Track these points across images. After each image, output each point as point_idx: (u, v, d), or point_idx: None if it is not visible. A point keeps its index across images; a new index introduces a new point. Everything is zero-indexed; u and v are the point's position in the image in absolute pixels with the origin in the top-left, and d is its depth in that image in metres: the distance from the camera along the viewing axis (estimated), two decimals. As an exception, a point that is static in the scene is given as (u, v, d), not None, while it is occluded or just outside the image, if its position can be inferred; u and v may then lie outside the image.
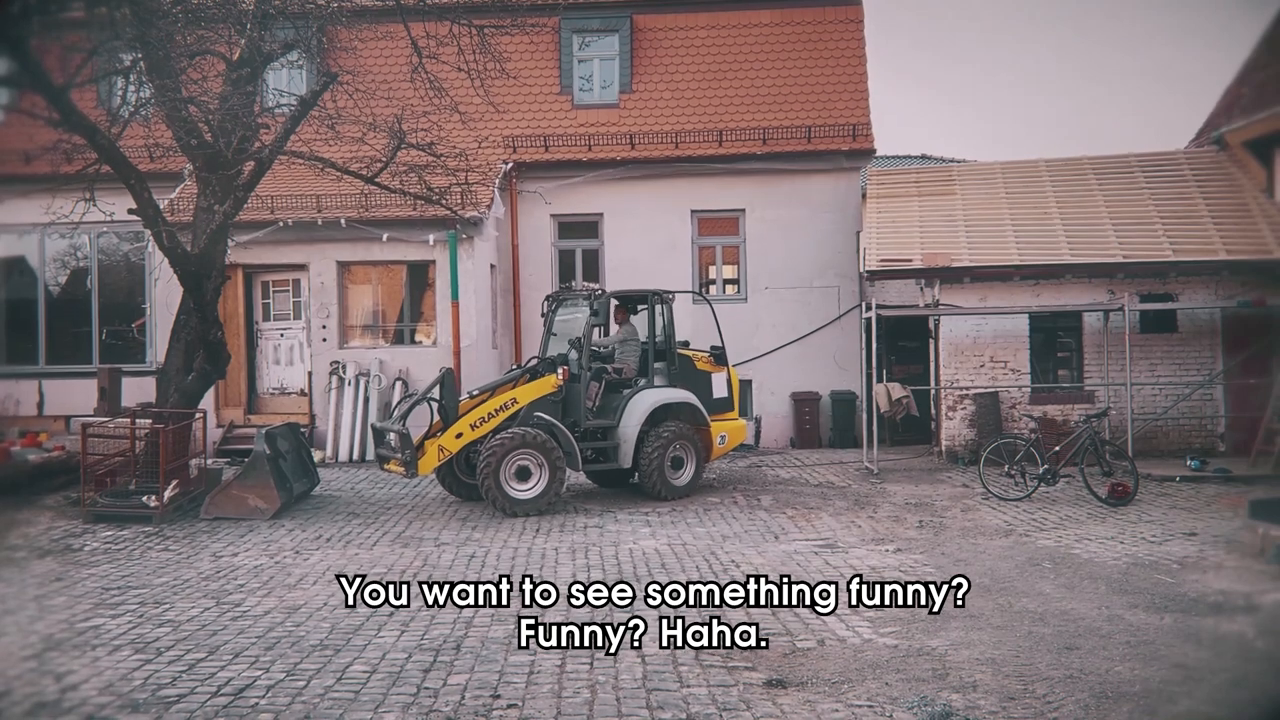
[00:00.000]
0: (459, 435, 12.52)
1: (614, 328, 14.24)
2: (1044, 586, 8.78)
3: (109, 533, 11.59)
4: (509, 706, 6.10)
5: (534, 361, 13.62)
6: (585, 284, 15.24)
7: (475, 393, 13.30)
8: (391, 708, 6.11)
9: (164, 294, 17.04)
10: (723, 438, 13.98)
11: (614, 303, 13.99)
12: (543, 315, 14.55)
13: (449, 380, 12.81)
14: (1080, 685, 6.37)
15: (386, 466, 12.77)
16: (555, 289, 19.48)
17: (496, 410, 12.71)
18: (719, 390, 14.20)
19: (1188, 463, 14.76)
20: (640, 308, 14.14)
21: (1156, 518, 11.75)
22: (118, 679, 6.63)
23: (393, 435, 12.52)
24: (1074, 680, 6.45)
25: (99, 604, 8.55)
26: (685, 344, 14.43)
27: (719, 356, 14.36)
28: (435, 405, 12.95)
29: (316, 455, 15.83)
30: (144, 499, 12.23)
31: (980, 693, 6.26)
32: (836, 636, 7.42)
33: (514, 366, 14.29)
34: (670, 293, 14.18)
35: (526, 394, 12.93)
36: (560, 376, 13.05)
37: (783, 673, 6.65)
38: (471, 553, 10.41)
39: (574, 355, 13.50)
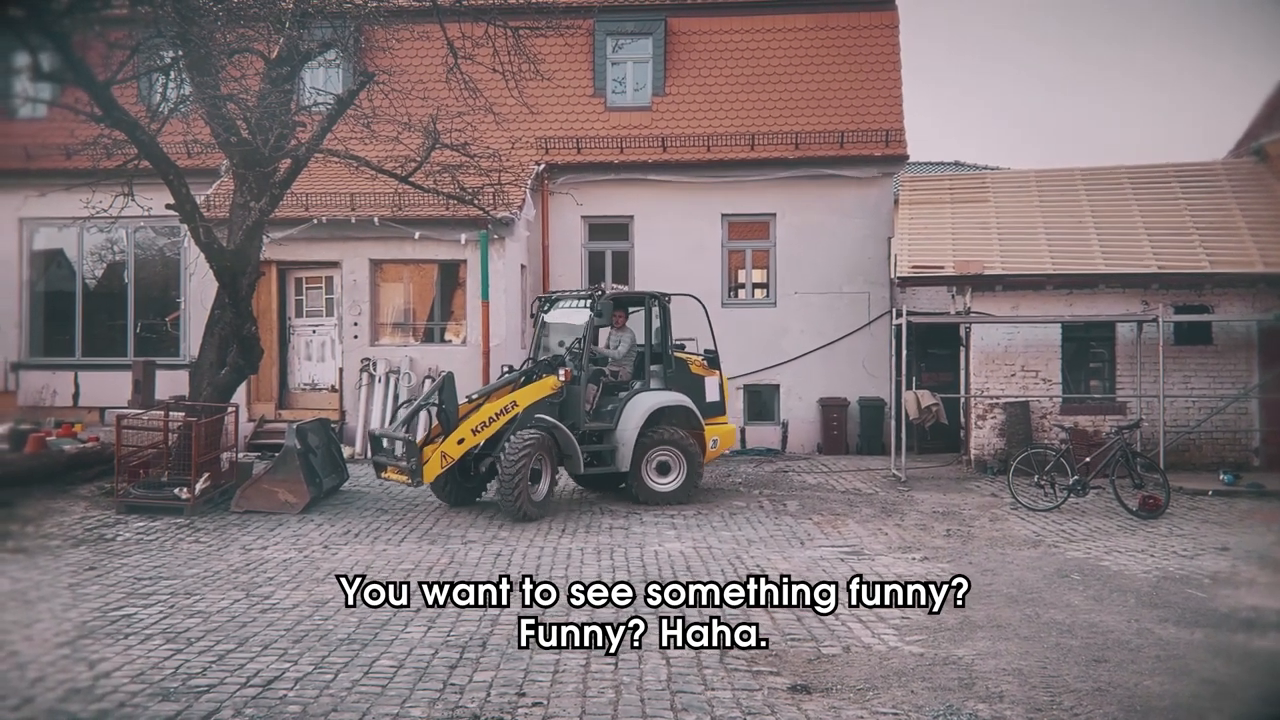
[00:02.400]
0: (461, 441, 12.17)
1: (607, 331, 14.08)
2: (1072, 598, 8.72)
3: (141, 523, 11.74)
4: (534, 704, 6.13)
5: (529, 363, 13.41)
6: (615, 285, 15.22)
7: (474, 396, 13.03)
8: (418, 703, 6.16)
9: (199, 289, 17.24)
10: (714, 442, 13.90)
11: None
12: (532, 315, 14.34)
13: (450, 384, 12.47)
14: (1108, 698, 6.32)
15: (384, 475, 12.37)
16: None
17: (497, 414, 12.40)
18: (711, 394, 14.11)
19: (1221, 477, 14.59)
20: (632, 309, 14.02)
21: (1188, 531, 11.63)
22: (149, 668, 6.73)
23: (398, 443, 12.17)
24: (1102, 693, 6.40)
25: (131, 593, 8.67)
26: (681, 346, 14.36)
27: (713, 360, 14.31)
28: (433, 410, 12.69)
29: (346, 451, 15.96)
30: (176, 491, 12.38)
31: (1007, 703, 6.22)
32: (862, 643, 7.41)
33: (505, 369, 14.05)
34: (667, 295, 14.14)
35: (526, 396, 12.63)
36: (562, 378, 12.83)
37: (807, 678, 6.65)
38: (498, 551, 10.46)
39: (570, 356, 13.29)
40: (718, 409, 14.18)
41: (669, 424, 13.35)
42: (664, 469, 13.32)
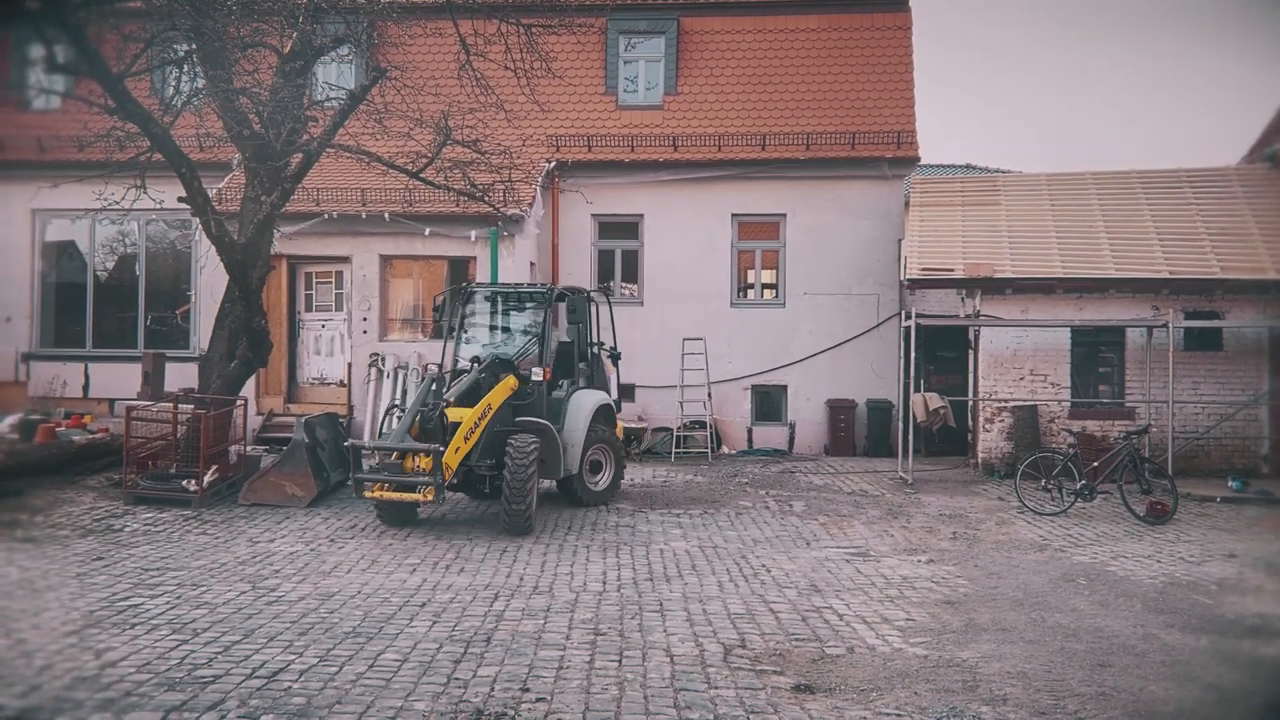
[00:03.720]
0: (457, 449, 11.00)
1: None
2: (1078, 602, 8.70)
3: (149, 515, 11.79)
4: (538, 700, 6.14)
5: (476, 362, 12.33)
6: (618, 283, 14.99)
7: (451, 400, 11.49)
8: (422, 696, 6.17)
9: (209, 282, 17.30)
10: None
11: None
12: (436, 309, 13.36)
13: (442, 385, 11.54)
14: (1113, 703, 6.30)
15: (372, 494, 10.82)
16: (596, 288, 19.63)
17: (480, 419, 11.34)
18: (614, 391, 14.05)
19: (1229, 483, 14.53)
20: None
21: (1195, 538, 11.59)
22: (155, 658, 6.76)
23: (410, 457, 10.77)
24: (1106, 697, 6.39)
25: (138, 584, 8.71)
26: (602, 345, 14.07)
27: (616, 358, 14.17)
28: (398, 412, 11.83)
29: (353, 446, 15.97)
30: (184, 483, 12.43)
31: (1010, 706, 6.21)
32: (866, 644, 7.40)
33: (430, 369, 12.85)
34: (588, 291, 13.84)
35: (497, 398, 11.65)
36: (540, 377, 12.09)
37: (811, 678, 6.65)
38: (504, 548, 10.48)
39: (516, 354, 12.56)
40: (618, 406, 14.15)
41: (598, 422, 12.95)
42: (596, 467, 13.01)
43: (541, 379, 12.20)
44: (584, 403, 12.79)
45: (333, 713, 5.90)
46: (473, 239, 17.45)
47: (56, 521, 11.26)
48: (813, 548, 10.76)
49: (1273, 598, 9.02)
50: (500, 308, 13.37)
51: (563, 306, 13.59)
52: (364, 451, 11.30)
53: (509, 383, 11.94)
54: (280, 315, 18.03)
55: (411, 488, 10.71)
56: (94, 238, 19.86)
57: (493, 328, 13.36)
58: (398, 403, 15.79)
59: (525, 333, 13.04)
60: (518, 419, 11.84)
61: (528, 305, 13.12)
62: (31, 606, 7.92)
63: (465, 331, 13.05)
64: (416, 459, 10.77)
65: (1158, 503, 12.45)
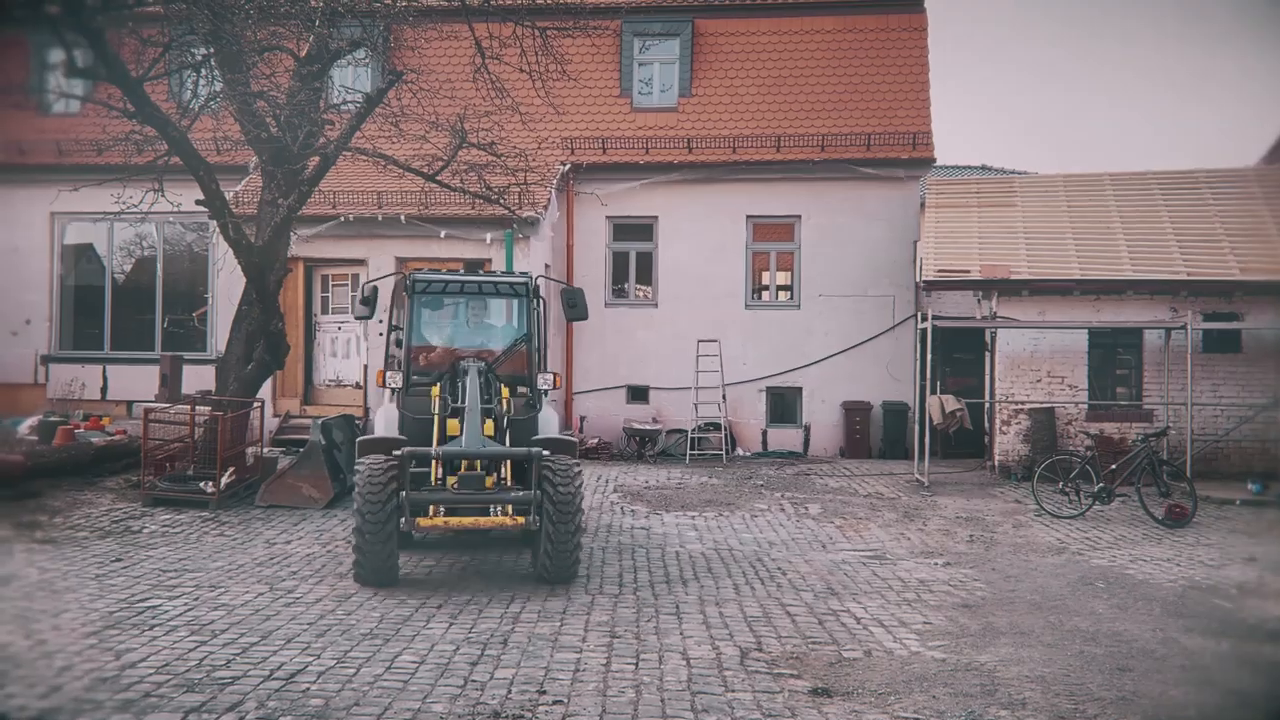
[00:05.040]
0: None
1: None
2: (1096, 606, 8.65)
3: (167, 516, 11.85)
4: (555, 702, 6.14)
5: (461, 364, 10.24)
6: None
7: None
8: (439, 698, 6.18)
9: (226, 285, 17.37)
10: None
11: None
12: (364, 301, 10.91)
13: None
14: (1132, 707, 6.26)
15: (434, 520, 8.59)
16: (607, 289, 19.65)
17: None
18: None
19: (1249, 486, 14.42)
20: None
21: (1215, 541, 11.51)
22: (174, 659, 6.78)
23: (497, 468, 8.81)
24: (1126, 702, 6.35)
25: (156, 585, 8.75)
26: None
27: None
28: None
29: (369, 448, 16.00)
30: (201, 484, 12.48)
31: (1029, 710, 6.18)
32: (883, 648, 7.38)
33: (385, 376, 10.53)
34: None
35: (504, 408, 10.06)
36: (551, 385, 10.47)
37: (828, 682, 6.63)
38: (519, 549, 10.47)
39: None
40: None
41: None
42: None
43: (552, 387, 10.54)
44: (551, 413, 10.78)
45: (350, 714, 5.91)
46: (488, 241, 17.48)
47: (75, 523, 11.33)
48: (829, 550, 10.73)
49: (1294, 602, 8.95)
50: (463, 301, 11.21)
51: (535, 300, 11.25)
52: (422, 464, 8.64)
53: (504, 393, 10.12)
54: (297, 318, 18.10)
55: (485, 510, 8.56)
56: (112, 241, 19.99)
57: (457, 324, 11.38)
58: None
59: (495, 331, 11.24)
60: (533, 438, 9.80)
61: (498, 300, 11.11)
62: (51, 607, 7.97)
63: (415, 328, 10.62)
64: (504, 469, 8.75)
65: (1176, 505, 12.37)
